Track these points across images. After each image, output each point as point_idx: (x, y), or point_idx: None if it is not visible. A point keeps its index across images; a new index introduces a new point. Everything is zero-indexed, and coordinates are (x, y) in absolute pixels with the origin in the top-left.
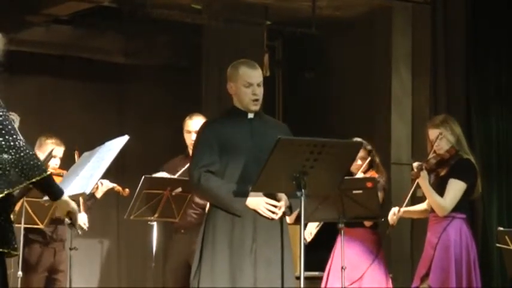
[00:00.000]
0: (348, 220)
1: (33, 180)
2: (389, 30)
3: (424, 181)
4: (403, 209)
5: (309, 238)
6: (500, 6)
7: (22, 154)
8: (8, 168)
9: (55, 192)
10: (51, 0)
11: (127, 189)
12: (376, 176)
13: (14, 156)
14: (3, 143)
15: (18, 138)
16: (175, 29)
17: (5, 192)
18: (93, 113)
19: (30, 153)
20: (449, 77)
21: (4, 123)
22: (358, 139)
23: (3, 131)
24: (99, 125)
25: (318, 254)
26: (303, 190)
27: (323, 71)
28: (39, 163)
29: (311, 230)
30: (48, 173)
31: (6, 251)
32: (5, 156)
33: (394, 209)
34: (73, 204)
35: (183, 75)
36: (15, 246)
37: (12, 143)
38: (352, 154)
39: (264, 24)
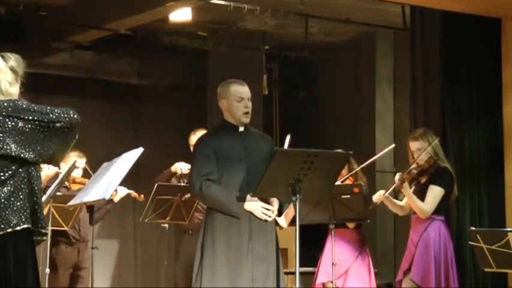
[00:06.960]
0: (337, 222)
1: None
2: (373, 53)
3: (406, 191)
4: (387, 194)
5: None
6: (472, 33)
7: (70, 114)
8: (66, 130)
9: None
10: (74, 29)
11: (142, 195)
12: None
13: (65, 121)
14: (53, 117)
15: (53, 109)
16: (183, 53)
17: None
18: (111, 128)
19: (71, 112)
20: (426, 95)
21: (36, 107)
22: (339, 150)
23: (43, 112)
24: (117, 138)
25: (310, 252)
26: (298, 195)
27: (314, 89)
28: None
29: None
30: None
31: (36, 229)
32: (58, 125)
33: (381, 191)
34: None
35: (190, 95)
36: (45, 226)
37: (57, 113)
38: (341, 163)
39: (262, 49)
